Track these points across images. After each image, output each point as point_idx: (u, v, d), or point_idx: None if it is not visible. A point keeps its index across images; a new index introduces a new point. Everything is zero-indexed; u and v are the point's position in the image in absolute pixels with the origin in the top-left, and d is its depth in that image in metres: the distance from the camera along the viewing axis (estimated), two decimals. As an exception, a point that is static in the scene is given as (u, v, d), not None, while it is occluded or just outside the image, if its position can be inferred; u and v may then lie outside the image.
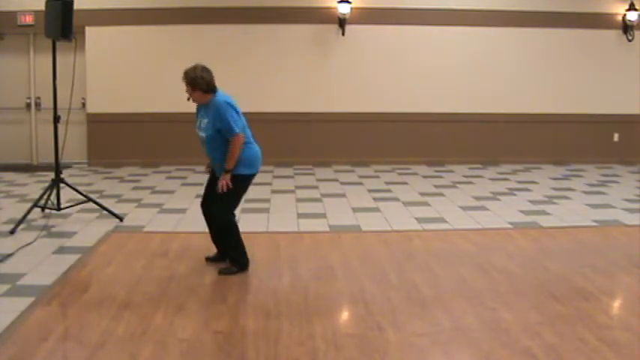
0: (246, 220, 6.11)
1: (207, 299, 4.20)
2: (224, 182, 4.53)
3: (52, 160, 6.27)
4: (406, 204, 7.15)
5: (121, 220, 6.23)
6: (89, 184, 8.30)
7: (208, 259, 4.96)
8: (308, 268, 4.84)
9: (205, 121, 4.55)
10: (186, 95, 4.61)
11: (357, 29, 9.83)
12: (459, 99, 10.06)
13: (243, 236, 4.76)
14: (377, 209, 6.88)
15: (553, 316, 3.90)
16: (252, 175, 4.73)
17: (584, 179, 8.93)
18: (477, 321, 3.84)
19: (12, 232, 5.68)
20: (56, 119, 6.17)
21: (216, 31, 9.74)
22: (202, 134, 4.59)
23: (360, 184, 8.45)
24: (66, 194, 6.53)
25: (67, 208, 6.29)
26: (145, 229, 6.02)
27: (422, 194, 7.72)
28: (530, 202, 7.33)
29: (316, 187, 8.15)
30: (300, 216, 6.54)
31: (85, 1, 8.70)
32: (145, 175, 9.12)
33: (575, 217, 6.62)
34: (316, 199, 7.40)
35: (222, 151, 4.53)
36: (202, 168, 9.34)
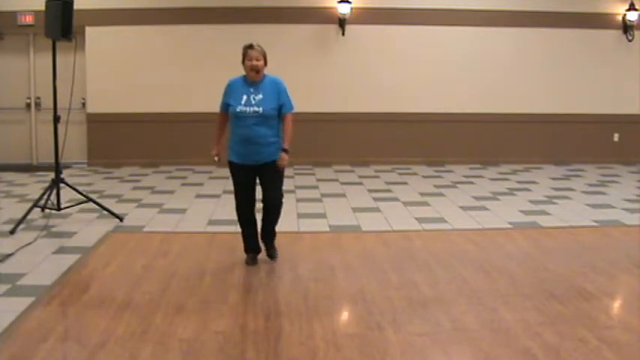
0: (246, 220, 6.10)
1: (207, 299, 4.19)
2: (285, 161, 4.66)
3: (52, 160, 6.26)
4: (406, 204, 7.15)
5: (121, 220, 6.22)
6: (89, 184, 8.30)
7: (251, 263, 4.86)
8: (308, 268, 4.84)
9: (260, 96, 4.61)
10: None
11: (357, 29, 9.82)
12: (458, 99, 10.06)
13: (243, 237, 4.77)
14: (377, 209, 6.88)
15: (553, 316, 3.89)
16: None
17: (584, 179, 8.93)
18: (477, 321, 3.83)
19: (12, 232, 5.67)
20: (56, 119, 6.17)
21: (216, 31, 9.73)
22: (256, 109, 4.58)
23: (360, 184, 8.45)
24: (66, 194, 6.52)
25: (67, 208, 6.28)
26: (145, 229, 6.01)
27: (422, 194, 7.72)
28: (530, 202, 7.32)
29: (316, 187, 8.15)
30: (300, 216, 6.54)
31: (85, 1, 8.69)
32: (145, 175, 9.11)
33: (575, 217, 6.61)
34: (316, 199, 7.40)
35: (273, 129, 4.64)
36: (202, 167, 9.49)
